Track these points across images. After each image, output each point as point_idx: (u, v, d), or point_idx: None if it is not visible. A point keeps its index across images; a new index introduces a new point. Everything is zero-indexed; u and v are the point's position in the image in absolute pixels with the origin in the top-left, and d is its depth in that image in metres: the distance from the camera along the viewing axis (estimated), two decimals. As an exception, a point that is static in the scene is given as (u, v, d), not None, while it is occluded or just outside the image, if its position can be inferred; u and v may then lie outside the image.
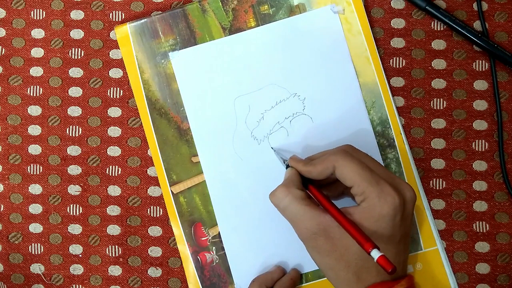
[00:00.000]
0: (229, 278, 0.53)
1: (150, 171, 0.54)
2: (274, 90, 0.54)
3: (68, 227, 0.54)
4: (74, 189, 0.54)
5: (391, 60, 0.54)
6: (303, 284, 0.53)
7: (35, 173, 0.54)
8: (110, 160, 0.54)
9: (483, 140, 0.53)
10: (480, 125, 0.54)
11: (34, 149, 0.54)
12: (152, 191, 0.54)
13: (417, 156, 0.53)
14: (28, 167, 0.54)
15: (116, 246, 0.54)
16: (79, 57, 0.55)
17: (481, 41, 0.52)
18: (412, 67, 0.54)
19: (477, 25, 0.54)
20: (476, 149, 0.53)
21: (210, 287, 0.53)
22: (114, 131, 0.54)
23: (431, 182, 0.53)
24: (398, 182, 0.44)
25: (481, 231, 0.53)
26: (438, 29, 0.54)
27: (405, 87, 0.54)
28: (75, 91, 0.55)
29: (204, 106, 0.54)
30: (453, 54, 0.54)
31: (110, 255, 0.54)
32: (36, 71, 0.55)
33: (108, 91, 0.54)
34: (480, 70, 0.54)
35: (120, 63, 0.55)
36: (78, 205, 0.54)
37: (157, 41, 0.54)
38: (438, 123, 0.54)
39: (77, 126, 0.54)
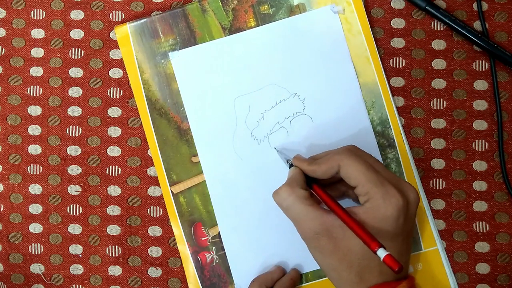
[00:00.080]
0: (229, 278, 0.53)
1: (150, 171, 0.54)
2: (274, 90, 0.54)
3: (68, 227, 0.54)
4: (74, 189, 0.54)
5: (391, 60, 0.54)
6: (303, 284, 0.53)
7: (35, 173, 0.54)
8: (110, 160, 0.54)
9: (483, 140, 0.53)
10: (480, 125, 0.54)
11: (34, 149, 0.54)
12: (152, 191, 0.54)
13: (417, 156, 0.53)
14: (28, 167, 0.54)
15: (116, 246, 0.54)
16: (79, 57, 0.55)
17: (481, 41, 0.52)
18: (412, 67, 0.54)
19: (477, 25, 0.54)
20: (476, 149, 0.53)
21: (210, 287, 0.53)
22: (114, 131, 0.54)
23: (431, 182, 0.53)
24: (401, 183, 0.44)
25: (481, 231, 0.53)
26: (438, 29, 0.54)
27: (405, 87, 0.54)
28: (75, 91, 0.55)
29: (204, 106, 0.54)
30: (453, 54, 0.54)
31: (110, 255, 0.54)
32: (36, 71, 0.55)
33: (108, 91, 0.54)
34: (480, 70, 0.54)
35: (120, 63, 0.54)
36: (78, 205, 0.54)
37: (157, 41, 0.54)
38: (438, 123, 0.54)
39: (77, 126, 0.54)
